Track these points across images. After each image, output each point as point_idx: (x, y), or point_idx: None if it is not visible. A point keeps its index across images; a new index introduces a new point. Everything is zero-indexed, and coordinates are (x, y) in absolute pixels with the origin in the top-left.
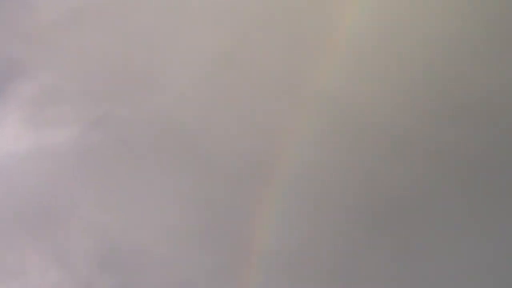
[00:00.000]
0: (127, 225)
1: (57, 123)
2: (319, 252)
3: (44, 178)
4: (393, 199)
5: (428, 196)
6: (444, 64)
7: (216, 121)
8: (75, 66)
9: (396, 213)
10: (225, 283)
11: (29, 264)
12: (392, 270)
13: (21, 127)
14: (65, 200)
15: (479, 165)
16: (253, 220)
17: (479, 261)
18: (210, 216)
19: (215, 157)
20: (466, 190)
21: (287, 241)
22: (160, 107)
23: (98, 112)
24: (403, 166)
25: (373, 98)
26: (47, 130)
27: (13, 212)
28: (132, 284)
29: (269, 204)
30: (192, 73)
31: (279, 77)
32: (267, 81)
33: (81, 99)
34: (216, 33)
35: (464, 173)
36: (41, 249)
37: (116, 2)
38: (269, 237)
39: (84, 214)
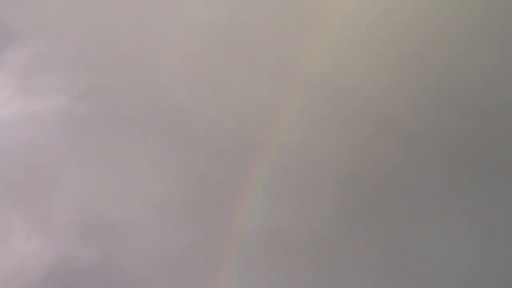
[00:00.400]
0: (111, 195)
1: (46, 91)
2: (302, 232)
3: (30, 145)
4: (381, 182)
5: (415, 180)
6: (438, 49)
7: (204, 96)
8: (67, 34)
9: (383, 196)
10: (205, 256)
11: (11, 230)
12: (378, 251)
13: (11, 93)
14: (50, 168)
15: (467, 151)
16: (238, 196)
17: (464, 241)
18: (194, 189)
19: (202, 131)
20: (452, 174)
21: (270, 219)
22: (149, 80)
23: (88, 82)
24: (392, 149)
25: (366, 80)
26: (36, 98)
27: None
28: (113, 253)
29: (254, 182)
30: (182, 47)
31: (270, 56)
32: (258, 59)
33: (71, 68)
34: (209, 9)
35: (451, 158)
36: (24, 216)
37: None
38: (253, 214)
39: (68, 182)
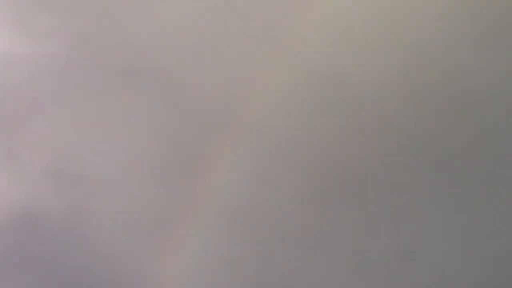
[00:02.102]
0: (88, 147)
1: (35, 34)
2: (272, 212)
3: (14, 83)
4: (362, 173)
5: (400, 175)
6: (436, 40)
7: (195, 63)
8: None
9: (363, 187)
10: (171, 220)
11: None
12: (350, 242)
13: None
14: (30, 110)
15: (456, 150)
16: (212, 166)
17: (446, 232)
18: (170, 153)
19: (186, 98)
20: (439, 172)
21: (241, 194)
22: (142, 36)
23: (81, 29)
24: (378, 141)
25: (360, 71)
26: (24, 39)
27: None
28: (82, 206)
29: (231, 155)
30: (175, 11)
31: (261, 28)
32: (252, 35)
33: (65, 12)
34: None
35: (437, 155)
36: None
37: None
38: (225, 186)
39: (47, 127)
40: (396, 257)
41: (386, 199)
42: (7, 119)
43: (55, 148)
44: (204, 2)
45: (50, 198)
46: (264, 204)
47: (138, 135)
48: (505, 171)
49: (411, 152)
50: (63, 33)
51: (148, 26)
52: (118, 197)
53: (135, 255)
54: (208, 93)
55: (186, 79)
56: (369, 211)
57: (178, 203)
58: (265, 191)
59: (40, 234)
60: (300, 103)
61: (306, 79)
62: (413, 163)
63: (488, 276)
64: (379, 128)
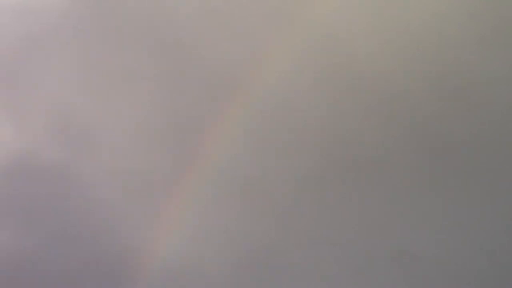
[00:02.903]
0: (90, 104)
1: None
2: (269, 183)
3: (20, 33)
4: (365, 151)
5: (400, 158)
6: (440, 12)
7: (204, 29)
8: None
9: (365, 166)
10: (168, 185)
11: None
12: (348, 220)
13: None
14: (36, 62)
15: (457, 140)
16: (214, 133)
17: (445, 216)
18: (171, 117)
19: (192, 63)
20: (439, 162)
21: (240, 163)
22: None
23: None
24: (383, 121)
25: (366, 47)
26: None
27: None
28: (78, 161)
29: (233, 122)
30: None
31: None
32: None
33: None
34: None
35: (439, 145)
36: None
37: None
38: (224, 154)
39: (50, 80)
40: (392, 234)
41: (387, 178)
42: (11, 72)
43: (57, 103)
44: None
45: (49, 150)
46: (263, 177)
47: (141, 96)
48: (506, 162)
49: (414, 136)
50: None
51: None
52: (116, 156)
53: (128, 216)
54: (214, 60)
55: (193, 45)
56: (368, 190)
57: (177, 168)
58: (265, 164)
59: (35, 183)
60: (305, 78)
61: (313, 53)
62: (415, 148)
63: (484, 264)
64: (384, 110)
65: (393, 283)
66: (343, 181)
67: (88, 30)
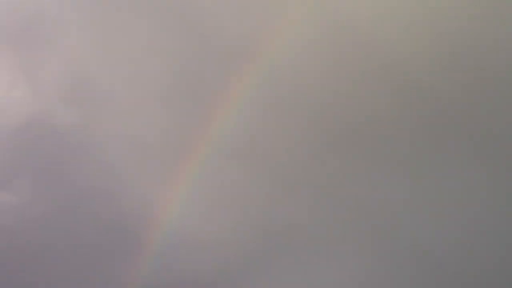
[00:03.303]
0: (104, 65)
1: None
2: (275, 150)
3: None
4: (366, 123)
5: (399, 128)
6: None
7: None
8: None
9: (369, 134)
10: (178, 146)
11: None
12: (346, 191)
13: None
14: (52, 24)
15: (455, 110)
16: (223, 99)
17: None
18: (183, 80)
19: (205, 28)
20: (437, 131)
21: (247, 128)
22: None
23: None
24: (384, 93)
25: (374, 20)
26: None
27: None
28: (92, 122)
29: (242, 90)
30: None
31: None
32: None
33: None
34: None
35: (440, 114)
36: (14, 61)
37: None
38: (232, 120)
39: (65, 41)
40: (394, 201)
41: (390, 147)
42: (27, 34)
43: (72, 65)
44: None
45: (63, 112)
46: (272, 144)
47: (155, 62)
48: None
49: (416, 103)
50: None
51: None
52: (129, 119)
53: (138, 179)
54: (227, 29)
55: (207, 11)
56: (373, 158)
57: (187, 133)
58: (275, 131)
59: (48, 144)
60: (315, 47)
61: (324, 25)
62: (416, 119)
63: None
64: (387, 77)
65: (399, 254)
66: (350, 148)
67: None
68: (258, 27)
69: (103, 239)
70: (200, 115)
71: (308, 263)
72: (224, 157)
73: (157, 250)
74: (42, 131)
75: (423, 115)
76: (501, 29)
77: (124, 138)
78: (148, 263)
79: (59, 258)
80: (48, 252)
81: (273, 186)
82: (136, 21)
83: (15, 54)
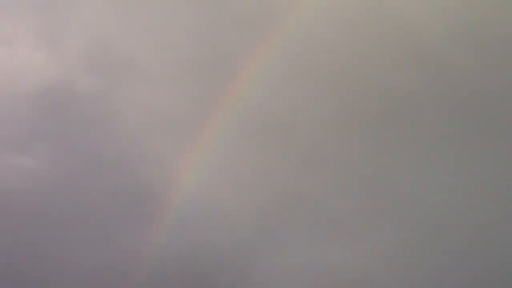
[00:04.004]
0: (124, 33)
1: None
2: (295, 123)
3: None
4: (387, 98)
5: (420, 106)
6: None
7: None
8: None
9: (385, 112)
10: (197, 117)
11: (21, 35)
12: (366, 164)
13: None
14: None
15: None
16: (243, 68)
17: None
18: (204, 52)
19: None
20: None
21: (267, 101)
22: None
23: None
24: (410, 72)
25: None
26: None
27: None
28: (112, 89)
29: (263, 60)
30: None
31: None
32: None
33: None
34: None
35: (458, 87)
36: (37, 26)
37: None
38: (252, 90)
39: (86, 9)
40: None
41: (411, 125)
42: (50, 3)
43: (93, 31)
44: None
45: (83, 78)
46: (289, 118)
47: (174, 31)
48: None
49: (442, 85)
50: None
51: None
52: (147, 88)
53: (155, 147)
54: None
55: None
56: (393, 136)
57: (206, 104)
58: (292, 105)
59: (67, 110)
60: (340, 19)
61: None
62: (438, 98)
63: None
64: (413, 57)
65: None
66: (371, 125)
67: None
68: (282, 5)
69: (120, 205)
70: (220, 84)
71: (325, 236)
72: (243, 127)
73: (174, 218)
74: (62, 97)
75: (446, 94)
76: None
77: (144, 105)
78: (164, 230)
79: (75, 222)
80: (65, 217)
81: (292, 158)
82: None
83: (38, 20)
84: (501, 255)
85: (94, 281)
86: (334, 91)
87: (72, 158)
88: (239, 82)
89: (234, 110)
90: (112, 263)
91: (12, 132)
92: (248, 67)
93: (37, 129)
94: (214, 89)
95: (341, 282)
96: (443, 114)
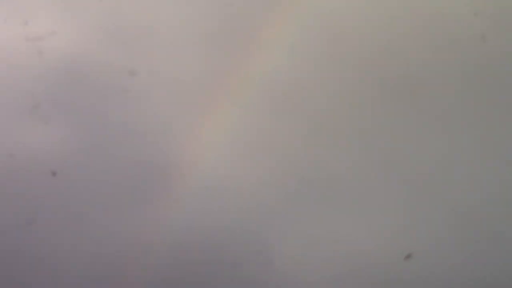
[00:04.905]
0: (146, 4)
1: None
2: (312, 96)
3: None
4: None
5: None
6: None
7: None
8: None
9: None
10: (213, 85)
11: (41, 7)
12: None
13: None
14: None
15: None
16: (263, 39)
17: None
18: (222, 19)
19: None
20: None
21: (285, 68)
22: None
23: None
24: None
25: None
26: None
27: None
28: (130, 63)
29: (280, 28)
30: None
31: None
32: None
33: None
34: None
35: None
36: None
37: None
38: (269, 58)
39: None
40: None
41: (430, 101)
42: None
43: (111, 4)
44: None
45: (102, 53)
46: (308, 88)
47: (192, 2)
48: None
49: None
50: None
51: None
52: (166, 58)
53: (173, 125)
54: None
55: None
56: (412, 112)
57: (224, 73)
58: (312, 76)
59: (86, 84)
60: None
61: None
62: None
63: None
64: (431, 29)
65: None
66: (391, 100)
67: None
68: None
69: (137, 179)
70: (239, 57)
71: (342, 213)
72: (261, 101)
73: (191, 193)
74: (81, 71)
75: (466, 68)
76: None
77: (163, 78)
78: (180, 206)
79: (92, 195)
80: (84, 187)
81: (310, 133)
82: None
83: None
84: None
85: (110, 253)
86: (353, 58)
87: (91, 130)
88: (260, 53)
89: (253, 82)
90: (129, 236)
91: (34, 102)
92: (268, 37)
93: (57, 101)
94: (233, 61)
95: (356, 256)
96: (464, 88)
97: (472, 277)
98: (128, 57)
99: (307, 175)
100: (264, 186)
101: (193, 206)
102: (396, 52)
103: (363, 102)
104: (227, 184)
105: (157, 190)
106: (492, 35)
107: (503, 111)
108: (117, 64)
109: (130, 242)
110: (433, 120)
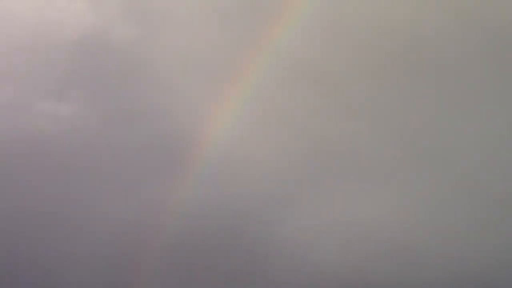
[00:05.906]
0: None
1: None
2: (325, 71)
3: None
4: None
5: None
6: None
7: None
8: None
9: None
10: (234, 60)
11: None
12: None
13: None
14: None
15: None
16: (280, 16)
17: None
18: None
19: None
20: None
21: (301, 49)
22: None
23: None
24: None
25: None
26: None
27: None
28: (145, 38)
29: (298, 12)
30: None
31: None
32: None
33: None
34: None
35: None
36: None
37: None
38: (285, 37)
39: None
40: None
41: (449, 81)
42: None
43: None
44: None
45: (118, 27)
46: (326, 65)
47: None
48: None
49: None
50: None
51: None
52: (183, 34)
53: (187, 96)
54: None
55: None
56: (431, 91)
57: (241, 49)
58: (330, 52)
59: (103, 58)
60: None
61: None
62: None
63: None
64: (458, 14)
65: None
66: (410, 78)
67: None
68: None
69: (152, 154)
70: (255, 33)
71: (362, 189)
72: (278, 78)
73: (206, 168)
74: (99, 45)
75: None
76: None
77: (179, 54)
78: (194, 181)
79: (107, 170)
80: (97, 163)
81: (329, 109)
82: None
83: None
84: None
85: (122, 229)
86: (374, 39)
87: (106, 105)
88: (276, 30)
89: (269, 59)
90: (139, 213)
91: (48, 79)
92: (285, 15)
93: (73, 77)
94: (250, 37)
95: (373, 235)
96: (483, 69)
97: (477, 243)
98: (147, 31)
99: (325, 154)
100: (279, 159)
101: (206, 184)
102: (417, 34)
103: (387, 82)
104: (242, 164)
105: (170, 167)
106: None
107: None
108: (135, 39)
109: (137, 220)
110: (454, 102)
